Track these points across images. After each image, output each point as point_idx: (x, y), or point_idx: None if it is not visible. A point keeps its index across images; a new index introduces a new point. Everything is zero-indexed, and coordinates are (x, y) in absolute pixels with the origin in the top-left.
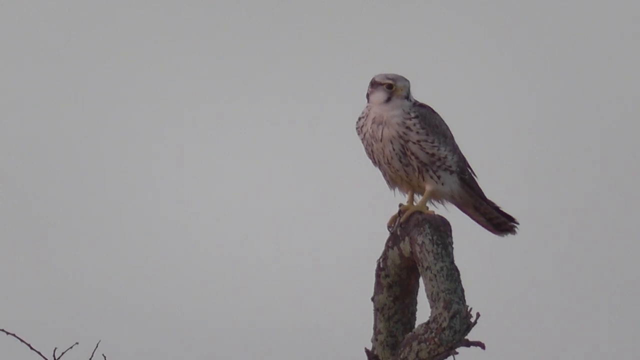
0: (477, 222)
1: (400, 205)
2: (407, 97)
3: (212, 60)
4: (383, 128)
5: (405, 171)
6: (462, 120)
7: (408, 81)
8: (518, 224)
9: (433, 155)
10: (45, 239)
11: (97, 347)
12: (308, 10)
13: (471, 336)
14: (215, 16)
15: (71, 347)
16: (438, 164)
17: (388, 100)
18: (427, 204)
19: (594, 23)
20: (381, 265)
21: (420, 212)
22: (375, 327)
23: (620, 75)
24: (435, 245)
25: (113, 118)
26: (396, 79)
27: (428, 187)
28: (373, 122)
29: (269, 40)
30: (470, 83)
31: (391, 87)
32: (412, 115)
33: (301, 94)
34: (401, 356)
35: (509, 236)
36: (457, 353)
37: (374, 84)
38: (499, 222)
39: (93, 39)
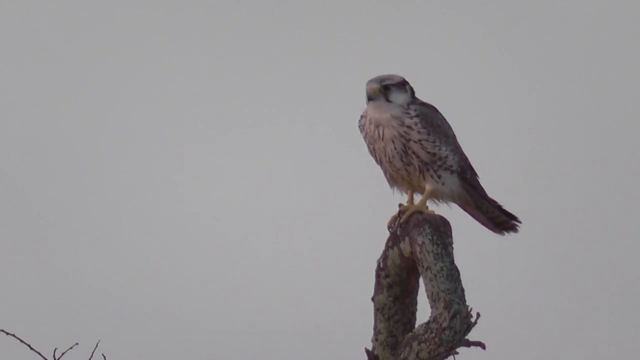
0: (479, 220)
1: (400, 205)
2: (388, 98)
3: (212, 60)
4: (383, 128)
5: (406, 170)
6: (462, 120)
7: (381, 83)
8: (520, 222)
9: (434, 154)
10: (45, 239)
11: (96, 347)
12: (308, 10)
13: (471, 336)
14: (215, 16)
15: (71, 348)
16: (439, 163)
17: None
18: (428, 204)
19: (594, 23)
20: (381, 265)
21: (420, 212)
22: (375, 327)
23: (620, 75)
24: (435, 245)
25: (113, 118)
26: (369, 81)
27: (428, 187)
28: (371, 123)
29: (269, 40)
30: (470, 83)
31: None
32: (413, 114)
33: (301, 94)
34: (401, 356)
35: (511, 235)
36: (457, 353)
37: None
38: (500, 220)
39: (93, 39)
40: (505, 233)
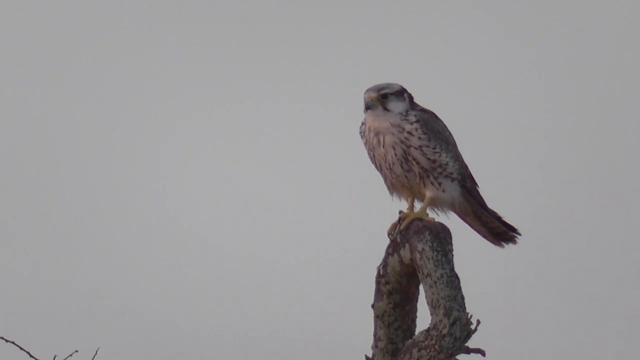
0: (478, 232)
1: (401, 212)
2: (386, 107)
3: (212, 60)
4: (384, 136)
5: (406, 177)
6: (462, 123)
7: (379, 92)
8: (520, 234)
9: (434, 161)
10: (45, 244)
11: (96, 354)
12: (308, 10)
13: (471, 343)
14: (215, 16)
15: (71, 355)
16: (439, 170)
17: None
18: (428, 211)
19: (594, 23)
20: (381, 272)
21: (420, 219)
22: (375, 334)
23: (621, 78)
24: (435, 252)
25: (112, 120)
26: (367, 90)
27: (428, 194)
28: (370, 131)
29: (269, 40)
30: (470, 86)
31: None
32: (413, 119)
33: (301, 94)
34: None
35: (510, 246)
36: None
37: None
38: (499, 231)
39: (92, 39)
40: (504, 245)
